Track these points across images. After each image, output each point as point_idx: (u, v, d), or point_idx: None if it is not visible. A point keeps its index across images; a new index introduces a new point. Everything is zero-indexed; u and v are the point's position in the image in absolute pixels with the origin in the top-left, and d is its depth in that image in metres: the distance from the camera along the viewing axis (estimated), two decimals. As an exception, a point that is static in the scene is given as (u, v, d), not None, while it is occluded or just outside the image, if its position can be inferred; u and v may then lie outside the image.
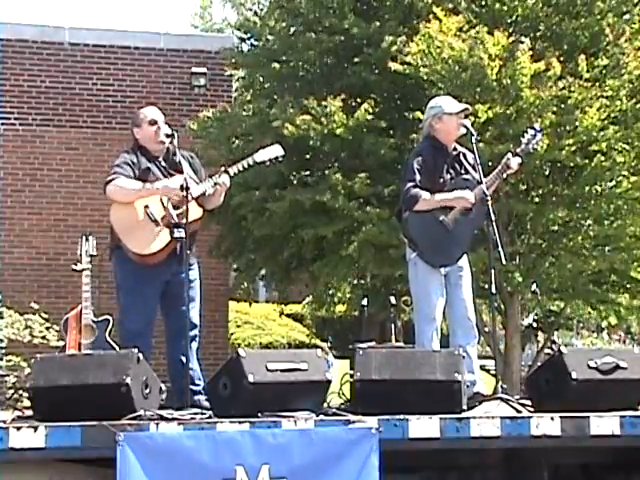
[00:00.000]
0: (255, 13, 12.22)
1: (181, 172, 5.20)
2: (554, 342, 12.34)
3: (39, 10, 42.94)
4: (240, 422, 4.04)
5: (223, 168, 5.44)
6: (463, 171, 5.56)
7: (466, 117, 5.70)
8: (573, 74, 9.14)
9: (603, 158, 9.29)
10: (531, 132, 5.65)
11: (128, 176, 5.30)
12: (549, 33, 9.86)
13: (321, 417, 4.25)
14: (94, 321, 6.84)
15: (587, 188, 9.69)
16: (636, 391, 4.61)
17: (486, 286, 8.42)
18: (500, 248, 5.17)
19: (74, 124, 11.92)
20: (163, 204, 5.22)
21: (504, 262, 5.24)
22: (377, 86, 10.30)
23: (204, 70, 12.21)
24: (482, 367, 7.64)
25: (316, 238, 10.17)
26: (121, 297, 5.40)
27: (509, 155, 5.62)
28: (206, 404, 4.79)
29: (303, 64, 10.80)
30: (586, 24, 9.61)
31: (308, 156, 10.48)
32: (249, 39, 11.61)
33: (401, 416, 4.16)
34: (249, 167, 5.49)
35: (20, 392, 6.29)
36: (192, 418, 4.25)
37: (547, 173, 9.97)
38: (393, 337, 9.87)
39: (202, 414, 4.42)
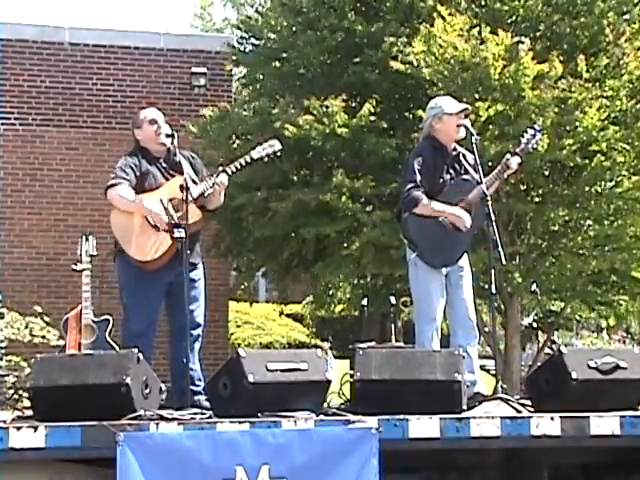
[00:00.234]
0: (256, 11, 12.21)
1: (181, 173, 5.20)
2: (554, 342, 12.33)
3: (39, 10, 42.97)
4: (240, 422, 4.05)
5: (221, 168, 5.44)
6: (463, 171, 5.56)
7: (466, 117, 5.69)
8: (573, 74, 9.14)
9: (603, 158, 9.29)
10: (531, 132, 5.65)
11: (130, 181, 5.31)
12: (549, 33, 9.87)
13: (321, 417, 4.25)
14: (94, 321, 6.83)
15: (587, 188, 9.69)
16: (636, 391, 4.61)
17: (486, 286, 8.42)
18: (500, 248, 5.17)
19: (74, 124, 11.92)
20: (163, 204, 5.21)
21: (504, 262, 5.24)
22: (378, 86, 10.29)
23: (204, 70, 12.20)
24: (482, 367, 7.63)
25: (317, 238, 10.17)
26: (124, 299, 5.42)
27: (508, 155, 5.62)
28: (206, 404, 4.79)
29: (304, 63, 10.79)
30: (586, 24, 9.62)
31: (309, 156, 10.47)
32: (250, 38, 11.61)
33: (401, 416, 4.16)
34: (247, 164, 5.47)
35: (20, 392, 6.29)
36: (192, 418, 4.25)
37: (547, 173, 9.97)
38: (393, 337, 9.87)
39: (202, 414, 4.42)
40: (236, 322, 16.76)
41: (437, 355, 4.60)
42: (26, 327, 8.37)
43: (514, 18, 9.78)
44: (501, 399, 4.88)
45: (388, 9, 10.42)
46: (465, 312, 5.52)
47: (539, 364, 5.49)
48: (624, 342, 21.95)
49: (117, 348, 6.12)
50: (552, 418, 4.29)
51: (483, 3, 9.89)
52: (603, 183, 9.72)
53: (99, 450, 3.92)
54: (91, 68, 12.02)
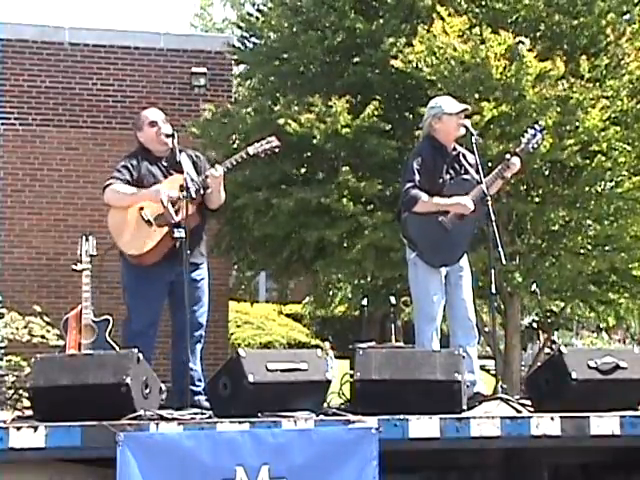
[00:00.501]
0: (257, 9, 12.22)
1: (182, 172, 5.20)
2: (554, 342, 12.34)
3: (39, 10, 42.98)
4: (240, 422, 4.04)
5: (209, 164, 5.44)
6: (463, 171, 5.56)
7: (466, 117, 5.69)
8: (574, 74, 9.14)
9: (604, 158, 9.29)
10: (531, 131, 5.65)
11: (124, 180, 5.32)
12: (550, 33, 9.87)
13: (321, 417, 4.25)
14: (94, 321, 6.84)
15: (587, 188, 9.70)
16: (636, 391, 4.60)
17: (486, 286, 8.42)
18: (500, 248, 5.17)
19: (74, 124, 11.91)
20: (163, 204, 5.21)
21: (504, 262, 5.23)
22: (378, 86, 10.29)
23: (204, 70, 12.20)
24: (482, 367, 7.63)
25: (317, 240, 10.17)
26: (126, 298, 5.45)
27: (508, 155, 5.62)
28: (206, 404, 4.79)
29: (304, 62, 10.80)
30: (586, 24, 9.62)
31: (310, 155, 10.47)
32: (250, 37, 11.61)
33: (401, 416, 4.16)
34: (243, 160, 5.43)
35: (20, 392, 6.29)
36: (192, 418, 4.25)
37: (547, 173, 9.97)
38: (393, 337, 9.86)
39: (202, 414, 4.42)
40: (236, 322, 16.77)
41: (437, 355, 4.60)
42: (25, 327, 8.37)
43: (515, 18, 9.78)
44: (501, 399, 4.88)
45: (388, 8, 10.42)
46: (465, 312, 5.51)
47: (539, 364, 5.48)
48: (624, 342, 21.97)
49: (117, 348, 6.13)
50: (552, 418, 4.29)
51: (483, 3, 9.89)
52: (603, 183, 9.73)
53: (99, 450, 3.92)
54: (91, 68, 12.01)
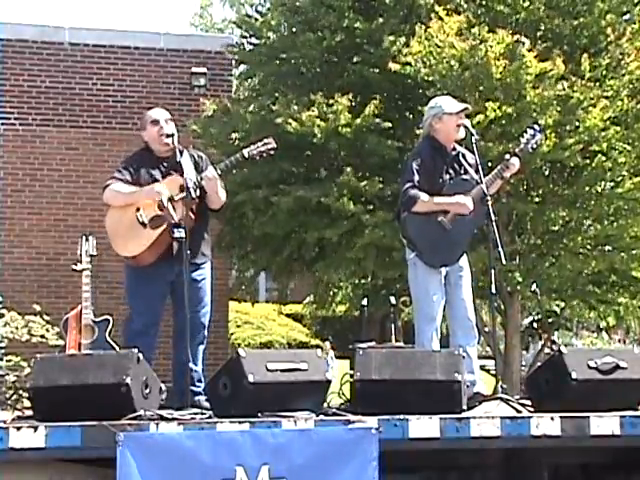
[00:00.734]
0: (256, 10, 12.23)
1: (181, 172, 5.20)
2: (554, 342, 12.34)
3: (39, 10, 42.99)
4: (240, 422, 4.04)
5: (211, 165, 5.43)
6: (462, 171, 5.55)
7: (467, 117, 5.69)
8: (575, 74, 9.14)
9: (604, 158, 9.29)
10: (530, 132, 5.64)
11: (124, 180, 5.32)
12: (550, 34, 9.87)
13: (321, 417, 4.25)
14: (94, 321, 6.84)
15: (587, 188, 9.70)
16: (636, 391, 4.60)
17: (486, 286, 8.42)
18: (500, 248, 5.17)
19: (74, 124, 11.92)
20: (163, 204, 5.20)
21: (504, 262, 5.23)
22: (378, 85, 10.30)
23: (204, 70, 12.20)
24: (482, 367, 7.63)
25: (317, 239, 10.17)
26: (127, 298, 5.47)
27: (507, 155, 5.61)
28: (206, 404, 4.79)
29: (304, 62, 10.80)
30: (586, 24, 9.62)
31: (310, 153, 10.47)
32: (250, 37, 11.62)
33: (401, 416, 4.16)
34: (238, 162, 5.41)
35: (20, 392, 6.29)
36: (192, 418, 4.25)
37: (547, 173, 9.97)
38: (393, 337, 9.85)
39: (202, 414, 4.42)
40: (236, 322, 16.78)
41: (437, 355, 4.59)
42: (25, 326, 8.36)
43: (515, 19, 9.78)
44: (501, 399, 4.88)
45: (387, 8, 10.42)
46: (464, 312, 5.51)
47: (539, 364, 5.48)
48: (624, 342, 21.97)
49: (117, 348, 6.13)
50: (552, 418, 4.29)
51: (484, 3, 9.89)
52: (603, 183, 9.73)
53: (99, 450, 3.91)
54: (91, 68, 12.01)
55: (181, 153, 5.30)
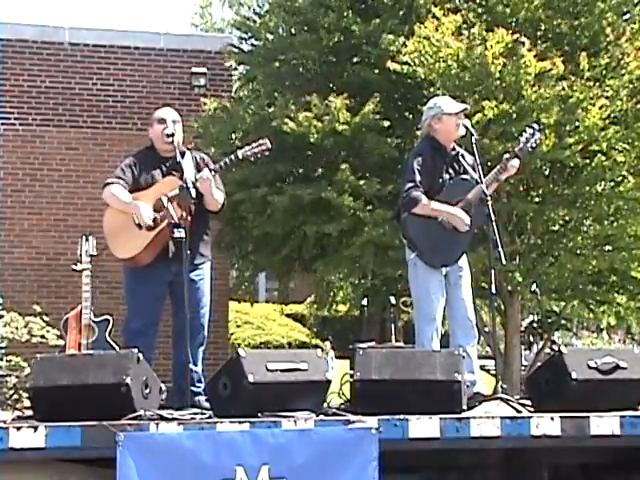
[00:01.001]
0: (254, 12, 12.24)
1: (181, 173, 5.21)
2: (554, 342, 12.34)
3: (39, 10, 43.00)
4: (240, 422, 4.04)
5: (210, 166, 5.43)
6: (462, 171, 5.55)
7: (466, 117, 5.69)
8: (574, 73, 9.14)
9: (604, 158, 9.29)
10: (529, 131, 5.63)
11: (126, 180, 5.32)
12: (550, 34, 9.87)
13: (321, 417, 4.25)
14: (94, 321, 6.85)
15: (587, 188, 9.70)
16: (636, 391, 4.60)
17: (486, 286, 8.42)
18: (500, 248, 5.17)
19: (74, 124, 11.92)
20: (163, 204, 5.21)
21: (504, 262, 5.23)
22: (377, 85, 10.30)
23: (204, 70, 12.21)
24: (482, 367, 7.63)
25: (316, 238, 10.17)
26: (126, 298, 5.48)
27: (507, 155, 5.61)
28: (206, 404, 4.79)
29: (303, 63, 10.81)
30: (586, 24, 9.62)
31: (308, 154, 10.48)
32: (249, 38, 11.62)
33: (401, 416, 4.16)
34: (232, 163, 5.39)
35: (20, 392, 6.29)
36: (192, 418, 4.24)
37: (547, 173, 9.98)
38: (393, 337, 9.86)
39: (202, 414, 4.41)
40: (236, 322, 16.79)
41: (437, 355, 4.59)
42: (25, 327, 8.37)
43: (515, 18, 9.78)
44: (501, 399, 4.88)
45: (386, 8, 10.42)
46: (464, 312, 5.51)
47: (539, 364, 5.48)
48: (624, 342, 21.97)
49: (117, 348, 6.14)
50: (552, 418, 4.29)
51: (483, 3, 9.89)
52: (603, 183, 9.73)
53: (99, 450, 3.91)
54: (91, 68, 12.02)
55: (183, 154, 5.30)
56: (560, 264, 9.73)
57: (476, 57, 8.92)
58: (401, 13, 10.35)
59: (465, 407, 4.45)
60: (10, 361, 8.35)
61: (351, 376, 4.58)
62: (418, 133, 8.81)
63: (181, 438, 3.94)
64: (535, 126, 5.72)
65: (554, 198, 9.84)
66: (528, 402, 4.78)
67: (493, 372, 11.68)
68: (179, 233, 5.03)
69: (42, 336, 8.18)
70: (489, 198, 5.29)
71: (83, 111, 11.96)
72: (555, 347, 6.09)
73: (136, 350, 4.27)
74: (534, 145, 5.68)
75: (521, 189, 9.98)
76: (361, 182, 9.64)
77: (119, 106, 12.00)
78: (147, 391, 4.25)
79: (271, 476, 3.95)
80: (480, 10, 9.81)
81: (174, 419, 4.12)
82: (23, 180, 11.78)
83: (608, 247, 9.90)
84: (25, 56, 11.87)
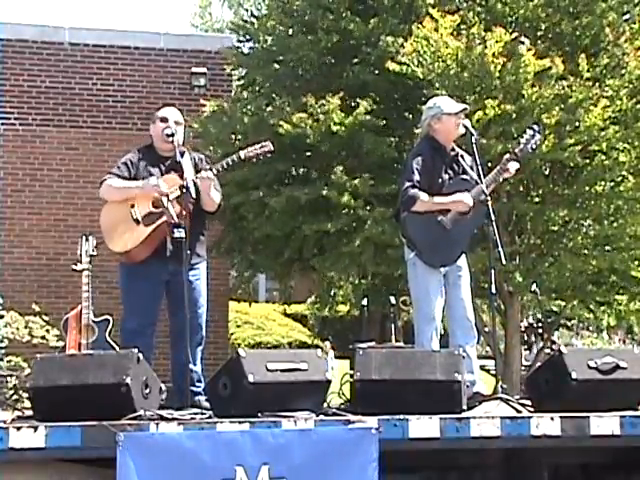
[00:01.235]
0: (252, 14, 12.24)
1: (180, 173, 5.21)
2: (554, 342, 12.35)
3: (39, 10, 43.00)
4: (240, 422, 4.04)
5: (208, 166, 5.43)
6: (461, 171, 5.55)
7: (466, 116, 5.68)
8: (574, 73, 9.14)
9: (604, 158, 9.29)
10: (530, 132, 5.63)
11: (121, 176, 5.32)
12: (550, 33, 9.87)
13: (321, 417, 4.25)
14: (94, 321, 6.84)
15: (587, 188, 9.70)
16: (636, 391, 4.60)
17: (486, 286, 8.41)
18: (500, 248, 5.16)
19: (74, 124, 11.92)
20: (163, 204, 5.20)
21: (504, 262, 5.23)
22: (376, 86, 10.30)
23: (204, 70, 12.21)
24: (482, 367, 7.64)
25: (316, 238, 10.17)
26: (122, 297, 5.46)
27: (507, 156, 5.60)
28: (206, 404, 4.79)
29: (301, 64, 10.80)
30: (587, 24, 9.62)
31: (308, 154, 10.48)
32: (247, 41, 11.63)
33: (401, 416, 4.16)
34: (234, 163, 5.40)
35: (20, 392, 6.30)
36: (192, 418, 4.25)
37: (547, 173, 9.97)
38: (393, 337, 9.87)
39: (202, 414, 4.41)
40: (236, 322, 16.78)
41: (437, 355, 4.59)
42: (25, 327, 8.38)
43: (514, 18, 9.78)
44: (501, 399, 4.88)
45: (385, 8, 10.41)
46: (463, 312, 5.51)
47: (539, 364, 5.48)
48: (624, 342, 21.97)
49: (117, 348, 6.13)
50: (552, 418, 4.29)
51: (483, 3, 9.89)
52: (603, 183, 9.73)
53: (99, 450, 3.91)
54: (91, 68, 12.02)
55: (182, 154, 5.30)
56: (560, 264, 9.72)
57: (475, 56, 8.92)
58: (401, 13, 10.33)
59: (465, 407, 4.45)
60: (10, 361, 8.36)
61: (351, 376, 4.58)
62: (417, 132, 8.87)
63: (181, 438, 3.94)
64: (535, 127, 5.71)
65: (554, 198, 9.84)
66: (528, 402, 4.78)
67: (493, 372, 11.67)
68: (179, 233, 5.03)
69: (43, 337, 8.19)
70: (489, 198, 5.30)
71: (83, 111, 11.96)
72: (555, 347, 6.09)
73: (136, 350, 4.27)
74: (534, 147, 5.68)
75: (521, 189, 9.98)
76: (355, 181, 9.62)
77: (119, 106, 12.00)
78: (147, 391, 4.25)
79: (271, 476, 3.95)
80: (479, 9, 9.81)
81: (174, 419, 4.12)
82: (23, 180, 11.78)
83: (608, 247, 9.89)
84: (25, 56, 11.88)
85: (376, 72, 10.21)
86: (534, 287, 9.61)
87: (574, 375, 4.46)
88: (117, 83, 12.07)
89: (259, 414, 4.18)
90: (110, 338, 6.72)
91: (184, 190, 5.12)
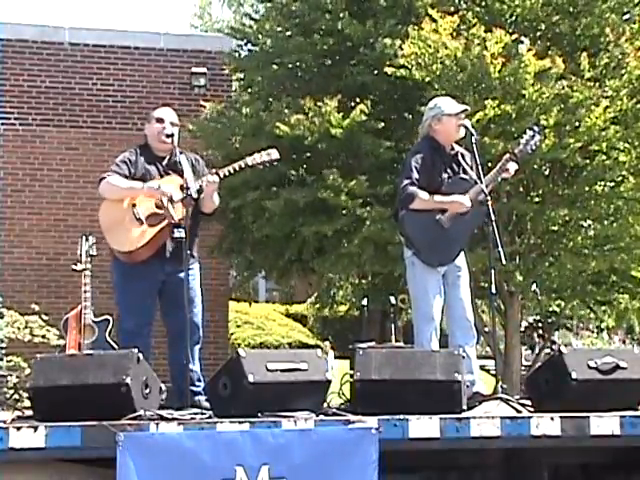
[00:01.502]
0: (250, 17, 12.24)
1: (179, 173, 5.21)
2: (554, 342, 12.35)
3: (39, 10, 42.98)
4: (240, 422, 4.04)
5: (214, 170, 5.44)
6: (461, 171, 5.55)
7: (466, 117, 5.68)
8: (574, 73, 9.14)
9: (604, 158, 9.29)
10: (530, 132, 5.62)
11: (122, 174, 5.32)
12: (549, 33, 9.87)
13: (321, 417, 4.25)
14: (94, 321, 6.85)
15: (587, 188, 9.70)
16: (636, 391, 4.60)
17: (486, 286, 8.41)
18: (500, 248, 5.16)
19: (74, 124, 11.92)
20: (163, 204, 5.21)
21: (504, 262, 5.23)
22: (375, 87, 10.29)
23: (204, 70, 12.21)
24: (482, 367, 7.64)
25: (316, 239, 10.17)
26: (116, 297, 5.45)
27: (507, 156, 5.59)
28: (206, 404, 4.79)
29: (300, 66, 10.80)
30: (587, 24, 9.61)
31: (308, 155, 10.47)
32: (246, 44, 11.63)
33: (401, 416, 4.16)
34: (240, 170, 5.43)
35: (20, 392, 6.30)
36: (192, 418, 4.25)
37: (547, 173, 9.97)
38: (393, 337, 9.88)
39: (202, 414, 4.42)
40: (236, 322, 16.76)
41: (437, 355, 4.59)
42: (26, 327, 8.38)
43: (514, 18, 9.78)
44: (501, 399, 4.88)
45: (383, 8, 10.40)
46: (462, 312, 5.51)
47: (539, 364, 5.48)
48: (624, 342, 21.98)
49: (117, 348, 6.13)
50: (552, 418, 4.29)
51: (483, 3, 9.88)
52: (603, 183, 9.73)
53: (99, 450, 3.91)
54: (91, 68, 12.02)
55: (179, 154, 5.30)
56: (560, 264, 9.72)
57: (474, 57, 8.92)
58: (399, 14, 10.32)
59: (465, 407, 4.45)
60: (10, 361, 8.36)
61: (351, 376, 4.58)
62: (415, 132, 8.87)
63: (181, 438, 3.94)
64: (535, 128, 5.70)
65: (554, 198, 9.83)
66: (528, 402, 4.78)
67: (493, 372, 11.67)
68: (179, 233, 5.04)
69: (43, 336, 8.19)
70: (489, 198, 5.29)
71: (83, 111, 11.96)
72: (555, 347, 6.09)
73: (136, 350, 4.27)
74: (534, 147, 5.67)
75: (521, 189, 9.97)
76: (352, 183, 9.61)
77: (119, 106, 12.00)
78: (147, 391, 4.25)
79: (271, 476, 3.95)
80: (478, 9, 9.81)
81: (174, 419, 4.12)
82: (23, 180, 11.78)
83: (608, 247, 9.88)
84: (25, 56, 11.88)
85: (375, 73, 10.20)
86: (534, 287, 9.62)
87: (574, 375, 4.46)
88: (117, 83, 12.07)
89: (259, 414, 4.18)
90: (110, 338, 6.72)
91: (184, 190, 5.12)
